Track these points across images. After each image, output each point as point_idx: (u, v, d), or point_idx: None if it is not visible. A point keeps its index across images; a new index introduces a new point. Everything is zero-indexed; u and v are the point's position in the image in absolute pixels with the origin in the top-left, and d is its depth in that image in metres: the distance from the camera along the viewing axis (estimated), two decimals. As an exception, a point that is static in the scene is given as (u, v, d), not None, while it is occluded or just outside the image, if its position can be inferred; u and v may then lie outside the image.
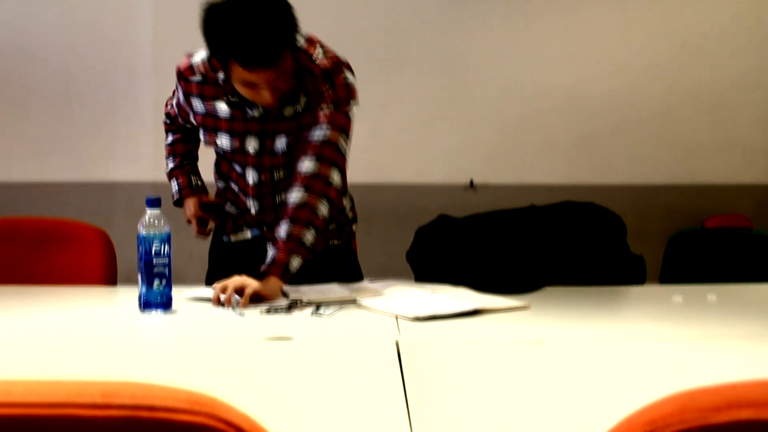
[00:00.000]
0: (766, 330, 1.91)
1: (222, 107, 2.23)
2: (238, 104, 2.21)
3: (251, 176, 2.30)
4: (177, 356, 1.70)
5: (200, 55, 2.25)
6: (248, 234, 2.42)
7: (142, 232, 1.96)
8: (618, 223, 2.59)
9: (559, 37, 4.14)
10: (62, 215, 3.34)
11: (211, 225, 2.45)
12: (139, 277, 1.97)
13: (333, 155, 2.15)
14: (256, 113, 2.22)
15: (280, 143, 2.23)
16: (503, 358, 1.59)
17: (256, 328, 1.81)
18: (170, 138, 2.50)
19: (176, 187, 2.46)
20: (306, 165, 2.13)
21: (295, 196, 2.11)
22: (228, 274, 2.08)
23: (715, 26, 4.22)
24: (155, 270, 1.95)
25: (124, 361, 1.59)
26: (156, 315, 1.96)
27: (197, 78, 2.24)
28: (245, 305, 1.97)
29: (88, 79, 3.90)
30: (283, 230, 2.08)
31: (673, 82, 4.22)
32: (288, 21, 2.05)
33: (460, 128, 4.11)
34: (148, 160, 3.93)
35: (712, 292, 2.23)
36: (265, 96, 2.08)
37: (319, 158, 2.13)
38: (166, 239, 1.97)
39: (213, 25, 2.05)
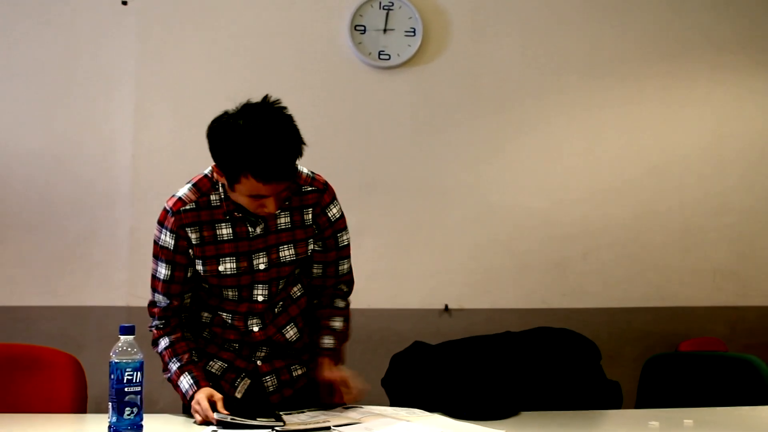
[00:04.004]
0: (743, 456, 1.90)
1: (223, 230, 2.23)
2: (241, 221, 2.22)
3: (261, 293, 2.30)
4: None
5: (182, 189, 2.25)
6: (247, 380, 2.37)
7: (114, 359, 1.93)
8: (592, 349, 2.60)
9: (530, 163, 4.24)
10: (33, 340, 3.30)
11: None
12: (110, 406, 1.93)
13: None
14: (258, 230, 2.24)
15: (288, 253, 2.29)
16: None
17: (229, 458, 1.78)
18: (167, 341, 2.28)
19: (191, 381, 2.21)
20: (345, 267, 2.43)
21: (342, 297, 2.45)
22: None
23: (679, 153, 4.35)
24: (126, 398, 1.92)
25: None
26: (126, 445, 1.91)
27: (190, 206, 2.21)
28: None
29: (65, 206, 3.91)
30: (338, 325, 2.40)
31: (642, 207, 4.31)
32: (298, 135, 2.10)
33: (435, 254, 4.15)
34: (122, 286, 3.91)
35: (688, 417, 2.22)
36: (270, 206, 2.12)
37: (349, 259, 2.44)
38: (139, 367, 1.94)
39: (229, 140, 2.07)
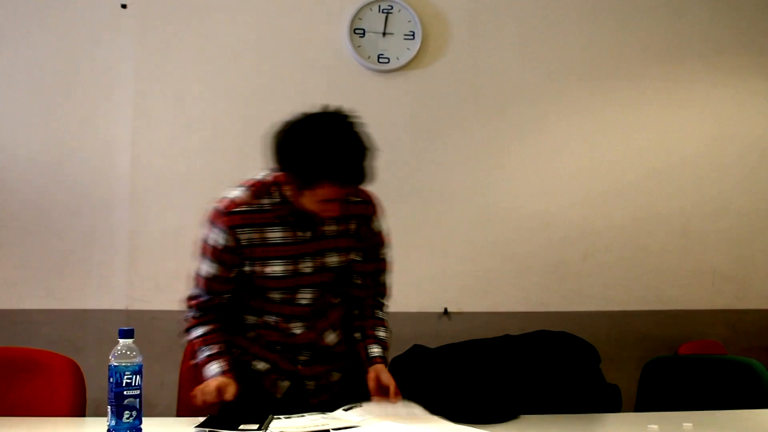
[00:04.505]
0: (742, 459, 1.90)
1: (273, 233, 2.28)
2: (292, 225, 2.28)
3: (305, 296, 2.36)
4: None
5: (234, 191, 2.31)
6: (287, 382, 2.41)
7: (114, 362, 1.93)
8: (592, 353, 2.60)
9: (529, 165, 4.23)
10: (32, 344, 3.30)
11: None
12: (109, 409, 1.93)
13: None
14: (308, 234, 2.31)
15: (332, 260, 2.36)
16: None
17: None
18: (201, 330, 2.34)
19: (218, 370, 2.27)
20: (384, 279, 2.52)
21: (381, 308, 2.52)
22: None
23: (678, 155, 4.35)
24: (125, 402, 1.92)
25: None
26: (124, 448, 1.91)
27: (243, 208, 2.27)
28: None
29: (64, 209, 3.91)
30: (383, 335, 2.46)
31: (642, 210, 4.30)
32: (370, 140, 2.19)
33: (434, 257, 4.15)
34: (121, 289, 3.91)
35: (687, 420, 2.22)
36: (336, 209, 2.22)
37: (387, 273, 2.53)
38: (138, 371, 1.94)
39: (307, 146, 2.13)
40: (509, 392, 2.36)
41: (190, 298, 2.37)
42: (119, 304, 3.90)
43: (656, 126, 4.34)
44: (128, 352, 1.95)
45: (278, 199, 2.27)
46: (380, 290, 2.53)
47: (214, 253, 2.29)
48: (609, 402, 2.53)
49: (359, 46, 4.09)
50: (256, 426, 2.08)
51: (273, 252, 2.29)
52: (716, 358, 3.25)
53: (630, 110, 4.32)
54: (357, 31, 4.09)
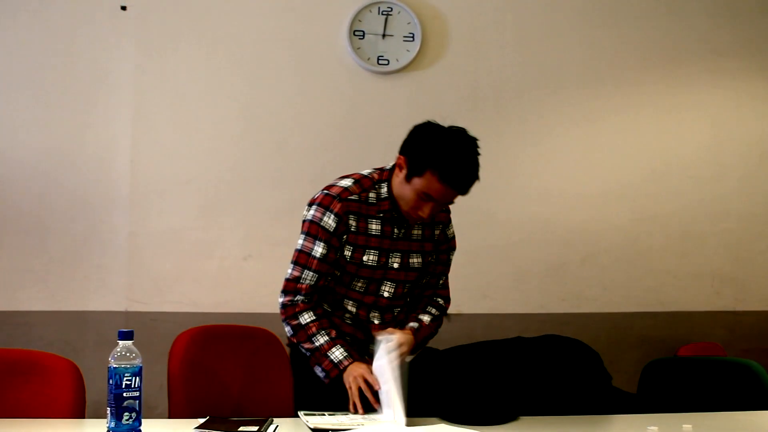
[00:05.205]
0: (742, 461, 1.90)
1: (373, 225, 2.46)
2: (390, 221, 2.46)
3: (388, 290, 2.52)
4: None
5: (343, 181, 2.47)
6: None
7: (113, 364, 1.93)
8: (596, 360, 2.59)
9: (529, 167, 4.24)
10: (31, 345, 3.30)
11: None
12: (108, 411, 1.93)
13: None
14: (401, 232, 2.49)
15: (415, 261, 2.53)
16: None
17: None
18: (312, 315, 2.44)
19: (345, 354, 2.39)
20: (444, 281, 2.68)
21: (437, 307, 2.64)
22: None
23: (677, 158, 4.35)
24: (125, 403, 1.92)
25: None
26: (124, 450, 1.91)
27: (355, 197, 2.44)
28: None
29: (63, 211, 3.90)
30: (427, 319, 2.58)
31: (641, 212, 4.31)
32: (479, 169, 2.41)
33: (434, 257, 4.15)
34: (120, 291, 3.91)
35: (687, 421, 2.22)
36: (425, 212, 2.38)
37: (448, 276, 2.69)
38: (138, 372, 1.94)
39: (434, 137, 2.38)
40: (510, 394, 2.36)
41: (295, 280, 2.45)
42: (119, 306, 3.90)
43: (655, 128, 4.35)
44: (128, 354, 1.95)
45: (384, 195, 2.45)
46: (440, 291, 2.68)
47: (326, 236, 2.42)
48: (627, 410, 2.53)
49: (359, 48, 4.09)
50: (255, 428, 2.08)
51: (371, 242, 2.45)
52: (715, 360, 3.26)
53: (629, 112, 4.33)
54: (356, 33, 4.10)
